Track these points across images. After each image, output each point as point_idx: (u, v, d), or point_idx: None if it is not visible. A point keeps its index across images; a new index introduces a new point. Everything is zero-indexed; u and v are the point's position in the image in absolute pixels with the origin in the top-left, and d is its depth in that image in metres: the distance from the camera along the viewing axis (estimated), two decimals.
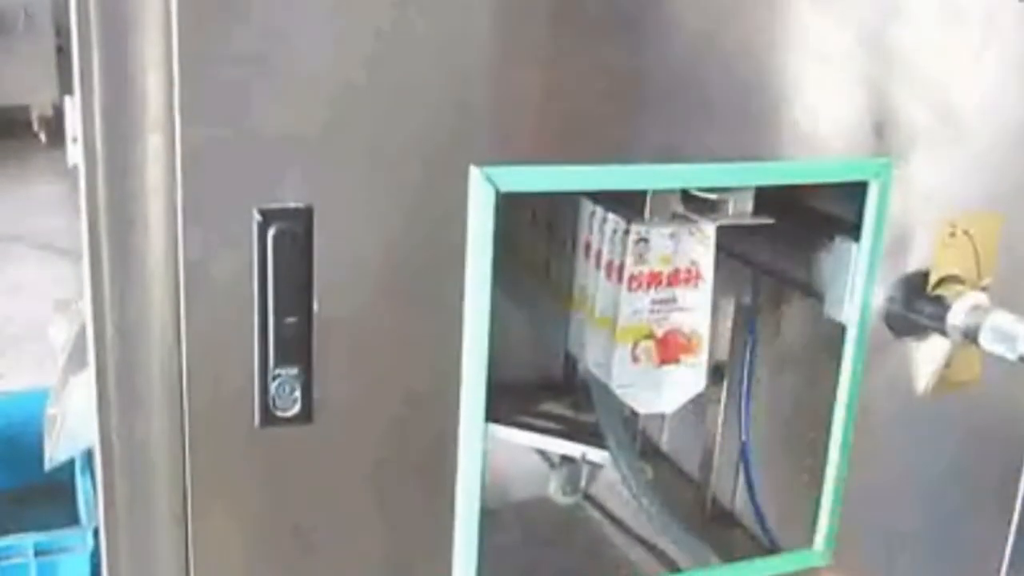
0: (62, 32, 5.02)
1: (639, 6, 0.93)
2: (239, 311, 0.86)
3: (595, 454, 1.50)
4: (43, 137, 5.44)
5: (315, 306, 0.87)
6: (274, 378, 0.87)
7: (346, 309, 0.89)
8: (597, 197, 1.10)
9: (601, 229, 1.09)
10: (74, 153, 0.84)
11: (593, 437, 1.47)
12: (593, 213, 1.10)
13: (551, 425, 1.56)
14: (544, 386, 1.65)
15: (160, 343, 0.85)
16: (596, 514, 1.56)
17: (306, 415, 0.89)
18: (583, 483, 1.56)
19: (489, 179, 0.89)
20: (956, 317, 1.07)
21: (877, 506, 1.17)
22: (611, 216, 1.08)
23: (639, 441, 1.58)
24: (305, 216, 0.85)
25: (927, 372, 1.14)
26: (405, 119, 0.87)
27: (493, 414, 0.96)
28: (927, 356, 1.14)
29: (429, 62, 0.87)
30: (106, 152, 0.81)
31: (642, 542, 1.47)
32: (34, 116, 5.45)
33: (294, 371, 0.88)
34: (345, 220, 0.87)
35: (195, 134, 0.82)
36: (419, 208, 0.89)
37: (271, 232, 0.84)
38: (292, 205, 0.85)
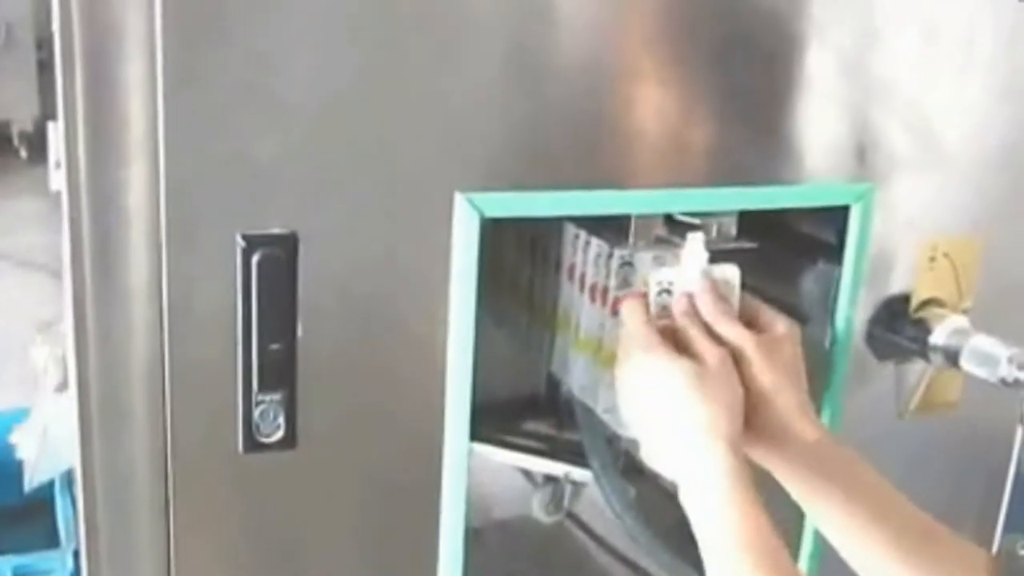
0: (44, 47, 5.00)
1: (632, 37, 0.94)
2: (223, 337, 0.86)
3: (578, 473, 1.50)
4: (23, 153, 5.41)
5: (299, 332, 0.87)
6: (258, 404, 0.87)
7: (330, 334, 0.89)
8: (581, 221, 1.10)
9: (585, 252, 1.10)
10: (57, 178, 0.84)
11: (576, 456, 1.47)
12: (577, 236, 1.11)
13: (534, 444, 1.56)
14: (527, 405, 1.65)
15: (143, 368, 0.85)
16: (579, 533, 1.56)
17: (290, 441, 0.89)
18: (566, 502, 1.56)
19: (474, 205, 0.89)
20: (937, 340, 1.08)
21: None
22: (595, 240, 1.08)
23: (622, 460, 1.58)
24: (290, 242, 0.85)
25: (909, 394, 1.15)
26: (390, 145, 0.87)
27: (476, 433, 0.96)
28: (909, 378, 1.14)
29: (414, 90, 0.87)
30: (90, 177, 0.80)
31: (625, 561, 1.47)
32: (15, 132, 5.42)
33: (278, 397, 0.88)
34: (330, 246, 0.87)
35: (179, 159, 0.82)
36: (403, 234, 0.89)
37: (255, 258, 0.84)
38: (276, 231, 0.85)
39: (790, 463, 0.95)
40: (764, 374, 0.94)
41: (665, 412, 0.92)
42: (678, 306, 0.97)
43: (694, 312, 0.97)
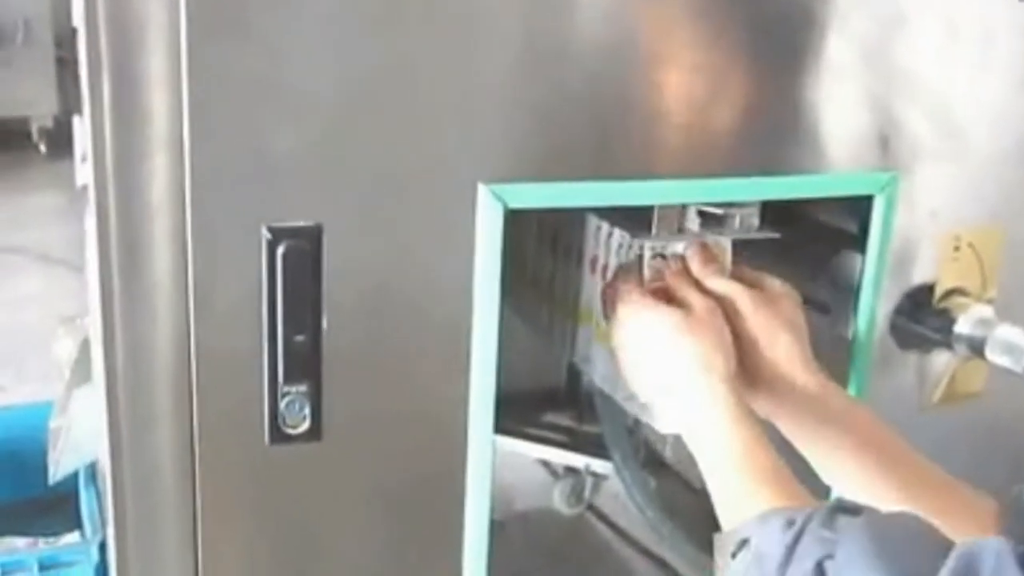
0: (63, 44, 5.02)
1: (658, 28, 0.94)
2: (248, 329, 0.86)
3: (599, 465, 1.50)
4: (43, 148, 5.44)
5: (324, 324, 0.88)
6: (283, 395, 0.88)
7: (354, 326, 0.89)
8: (603, 212, 1.10)
9: (607, 244, 1.09)
10: (83, 173, 0.84)
11: (597, 448, 1.47)
12: (599, 228, 1.10)
13: (555, 436, 1.56)
14: (547, 397, 1.65)
15: (170, 360, 0.86)
16: (600, 525, 1.56)
17: (315, 432, 0.90)
18: (587, 494, 1.57)
19: (497, 196, 0.89)
20: (962, 330, 1.08)
21: None
22: (617, 231, 1.08)
23: (643, 452, 1.58)
24: (314, 234, 0.85)
25: (933, 385, 1.15)
26: (412, 137, 0.88)
27: (497, 425, 0.96)
28: (933, 369, 1.14)
29: (436, 81, 0.87)
30: (116, 171, 0.81)
31: (646, 553, 1.47)
32: (34, 128, 5.44)
33: (303, 388, 0.88)
34: (354, 237, 0.87)
35: (203, 152, 0.82)
36: (427, 225, 0.90)
37: (280, 250, 0.84)
38: (301, 223, 0.85)
39: (794, 414, 0.96)
40: (760, 327, 0.97)
41: (660, 361, 0.95)
42: (670, 267, 1.02)
43: (686, 272, 1.01)
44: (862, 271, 1.07)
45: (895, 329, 1.10)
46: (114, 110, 0.80)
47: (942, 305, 1.10)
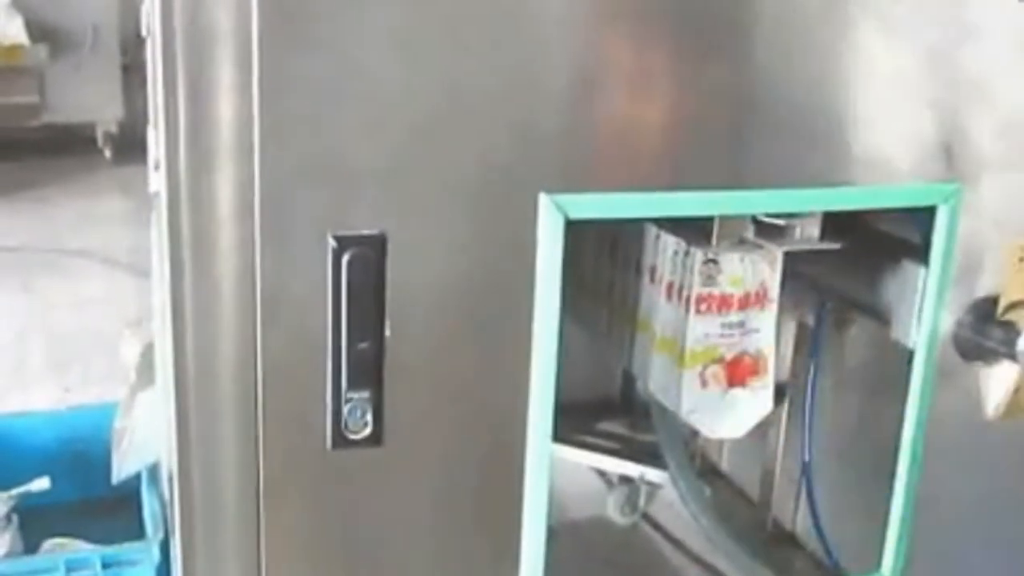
0: (128, 51, 5.10)
1: (711, 38, 0.94)
2: (313, 336, 0.88)
3: (653, 474, 1.50)
4: (108, 154, 5.53)
5: (387, 331, 0.89)
6: (346, 401, 0.89)
7: (417, 334, 0.91)
8: (662, 222, 1.10)
9: (667, 253, 1.10)
10: (156, 180, 0.87)
11: (651, 457, 1.47)
12: (658, 237, 1.11)
13: (609, 444, 1.56)
14: (602, 406, 1.65)
15: (236, 366, 0.87)
16: (654, 534, 1.56)
17: (376, 437, 0.91)
18: (641, 503, 1.56)
19: (558, 207, 0.90)
20: None
21: (946, 531, 1.16)
22: (678, 241, 1.08)
23: (698, 461, 1.57)
24: (378, 243, 0.87)
25: (996, 397, 1.13)
26: (476, 148, 0.89)
27: (553, 433, 0.96)
28: (996, 381, 1.12)
29: (499, 93, 0.88)
30: (188, 178, 0.83)
31: (701, 563, 1.46)
32: (99, 133, 5.54)
33: (365, 395, 0.89)
34: (417, 246, 0.89)
35: (272, 162, 0.84)
36: (489, 234, 0.91)
37: (345, 258, 0.86)
38: (366, 232, 0.87)
39: None
40: None
41: None
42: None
43: None
44: (925, 281, 1.06)
45: (958, 340, 1.09)
46: (188, 119, 0.82)
47: (1006, 317, 1.09)
